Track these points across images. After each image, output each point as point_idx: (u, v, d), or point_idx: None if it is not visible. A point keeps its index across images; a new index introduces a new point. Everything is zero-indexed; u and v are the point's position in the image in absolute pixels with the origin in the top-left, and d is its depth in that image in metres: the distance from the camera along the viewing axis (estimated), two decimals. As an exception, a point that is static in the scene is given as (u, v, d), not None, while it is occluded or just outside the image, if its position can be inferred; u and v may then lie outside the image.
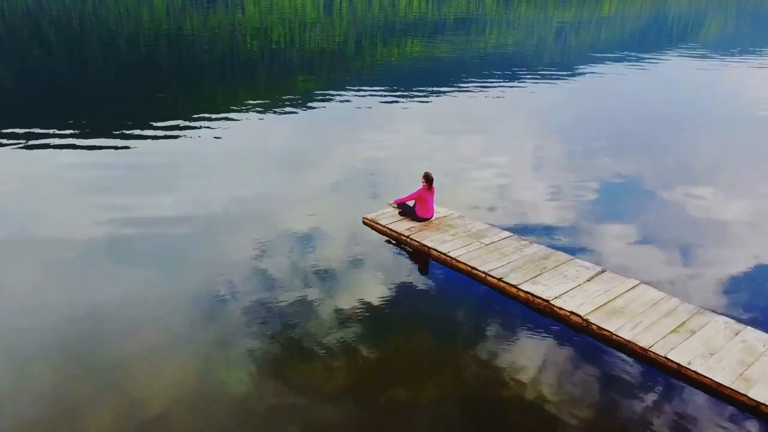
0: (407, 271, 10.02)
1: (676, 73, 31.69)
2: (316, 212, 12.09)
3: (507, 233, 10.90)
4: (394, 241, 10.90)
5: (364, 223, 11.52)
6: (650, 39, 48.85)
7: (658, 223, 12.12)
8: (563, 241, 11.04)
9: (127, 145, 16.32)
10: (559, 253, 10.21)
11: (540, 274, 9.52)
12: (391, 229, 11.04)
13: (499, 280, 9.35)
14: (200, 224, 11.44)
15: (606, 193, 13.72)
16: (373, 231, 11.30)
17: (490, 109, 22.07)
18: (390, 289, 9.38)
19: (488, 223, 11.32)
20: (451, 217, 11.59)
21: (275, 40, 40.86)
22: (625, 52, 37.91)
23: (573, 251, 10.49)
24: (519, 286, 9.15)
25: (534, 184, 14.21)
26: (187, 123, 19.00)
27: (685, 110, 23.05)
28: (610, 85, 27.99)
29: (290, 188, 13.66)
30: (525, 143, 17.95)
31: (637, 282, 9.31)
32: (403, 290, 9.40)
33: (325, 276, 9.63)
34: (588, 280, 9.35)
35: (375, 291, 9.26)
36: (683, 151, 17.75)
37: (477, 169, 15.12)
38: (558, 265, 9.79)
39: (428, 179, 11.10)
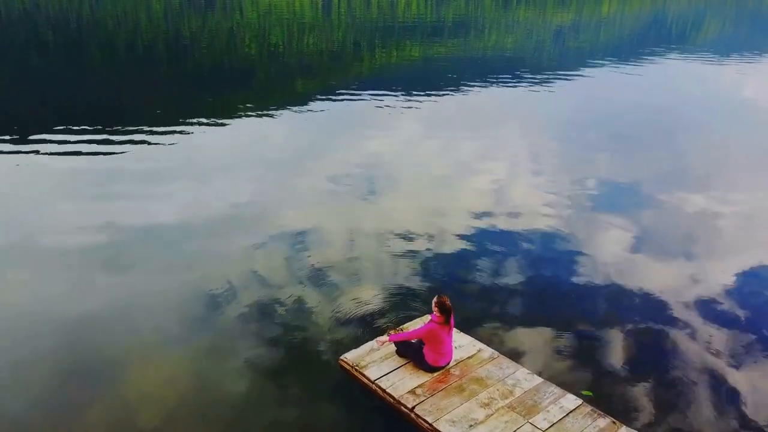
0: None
1: (675, 74, 28.04)
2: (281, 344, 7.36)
3: (571, 398, 6.07)
4: (385, 408, 6.08)
5: (341, 366, 6.66)
6: (649, 40, 43.93)
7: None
8: (660, 412, 6.25)
9: (125, 148, 14.71)
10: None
11: None
12: (383, 390, 6.17)
13: None
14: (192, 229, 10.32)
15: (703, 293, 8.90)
16: (355, 382, 6.47)
17: (490, 113, 19.38)
18: None
19: (540, 376, 6.42)
20: (480, 358, 6.64)
21: (273, 42, 36.60)
22: (625, 54, 33.65)
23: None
24: None
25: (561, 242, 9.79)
26: (183, 125, 16.96)
27: (703, 113, 19.86)
28: (610, 85, 24.59)
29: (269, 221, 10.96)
30: (531, 154, 15.06)
31: None
32: None
33: None
34: None
35: None
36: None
37: (484, 203, 11.73)
38: (677, 492, 5.02)
39: (444, 308, 6.21)
